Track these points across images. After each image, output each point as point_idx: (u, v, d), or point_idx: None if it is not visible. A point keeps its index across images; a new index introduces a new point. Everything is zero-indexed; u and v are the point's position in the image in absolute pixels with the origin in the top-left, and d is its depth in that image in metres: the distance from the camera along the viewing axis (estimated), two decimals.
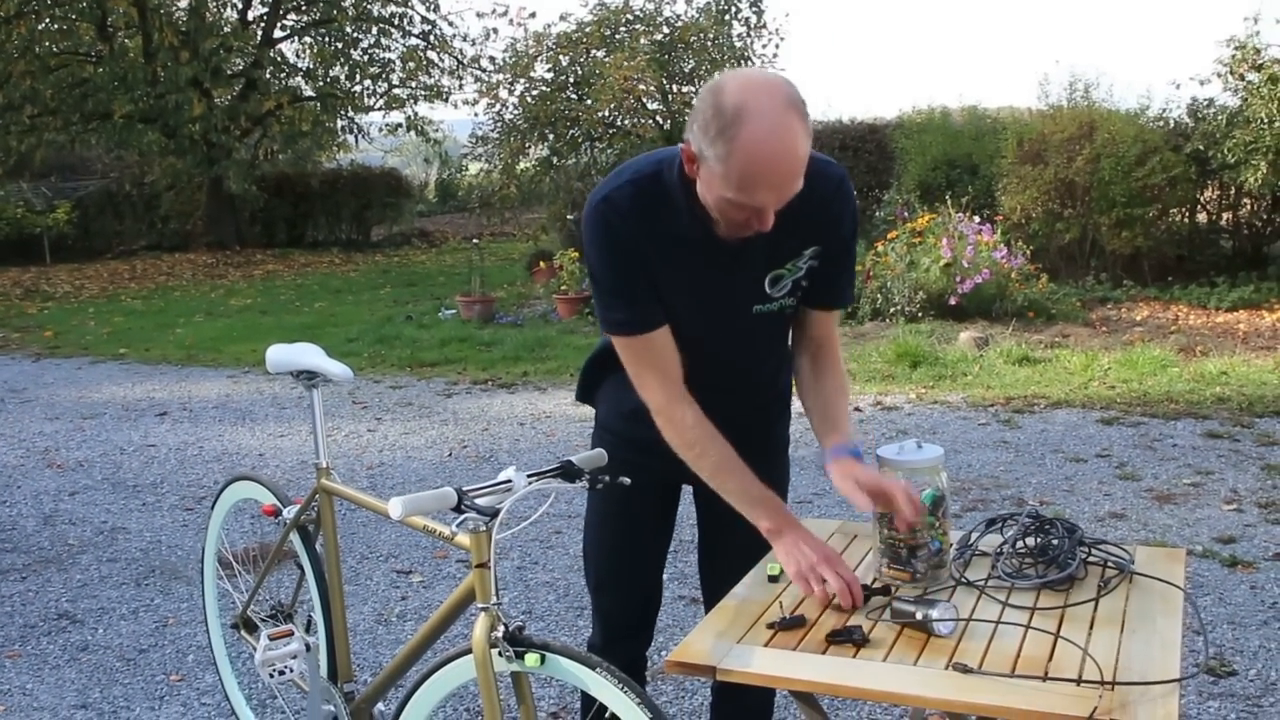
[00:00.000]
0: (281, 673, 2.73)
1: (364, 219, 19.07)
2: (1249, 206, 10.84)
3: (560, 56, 14.55)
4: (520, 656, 1.90)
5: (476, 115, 15.73)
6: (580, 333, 9.72)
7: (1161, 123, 10.80)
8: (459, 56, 18.42)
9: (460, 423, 6.85)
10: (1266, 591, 3.93)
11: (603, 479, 2.07)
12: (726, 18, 14.89)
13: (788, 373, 2.32)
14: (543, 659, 1.89)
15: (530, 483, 1.98)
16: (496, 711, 1.92)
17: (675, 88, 14.60)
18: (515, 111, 14.80)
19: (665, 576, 3.88)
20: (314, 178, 18.82)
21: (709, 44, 14.45)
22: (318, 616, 2.73)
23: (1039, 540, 2.14)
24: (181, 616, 4.11)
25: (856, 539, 2.36)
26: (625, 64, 13.30)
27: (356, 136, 19.45)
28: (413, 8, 18.04)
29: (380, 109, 18.65)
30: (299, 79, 18.56)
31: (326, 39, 18.10)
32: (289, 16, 18.34)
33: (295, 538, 2.77)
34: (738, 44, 14.96)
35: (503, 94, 15.07)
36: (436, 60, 18.44)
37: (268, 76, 17.70)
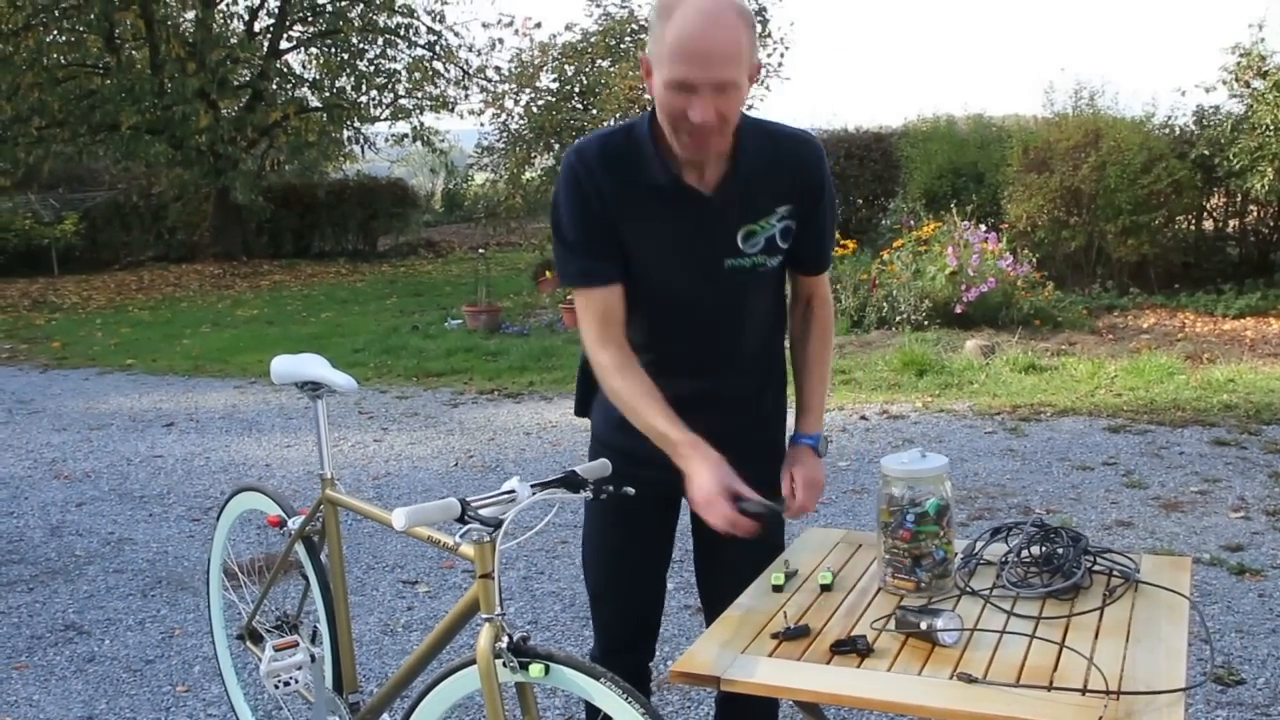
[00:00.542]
0: (287, 684, 2.73)
1: (370, 229, 19.09)
2: (1255, 213, 10.82)
3: (566, 66, 14.58)
4: (525, 667, 1.89)
5: (482, 125, 15.76)
6: None
7: (1167, 130, 10.79)
8: (465, 67, 18.46)
9: (466, 433, 6.86)
10: (1275, 599, 3.92)
11: (607, 489, 2.07)
12: None
13: (780, 344, 2.33)
14: (547, 670, 1.89)
15: (534, 493, 1.98)
16: None
17: None
18: (521, 121, 14.83)
19: (671, 586, 3.89)
20: (320, 188, 18.85)
21: None
22: (323, 627, 2.73)
23: (1044, 549, 2.14)
24: (188, 627, 4.11)
25: (861, 548, 2.36)
26: (630, 74, 13.33)
27: (363, 147, 19.49)
28: (418, 19, 18.08)
29: (386, 119, 18.68)
30: (305, 90, 18.60)
31: (333, 50, 18.14)
32: (295, 28, 18.39)
33: (300, 548, 2.77)
34: None
35: (508, 104, 15.11)
36: (442, 70, 18.47)
37: (274, 88, 17.74)
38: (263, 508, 2.88)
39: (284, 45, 18.13)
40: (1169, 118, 10.95)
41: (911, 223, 10.83)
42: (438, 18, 18.37)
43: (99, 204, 18.01)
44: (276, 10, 17.73)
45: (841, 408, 7.01)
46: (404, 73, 18.27)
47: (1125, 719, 1.59)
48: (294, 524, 2.75)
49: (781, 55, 16.18)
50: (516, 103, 15.02)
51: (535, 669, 1.89)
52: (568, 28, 14.88)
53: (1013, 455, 5.84)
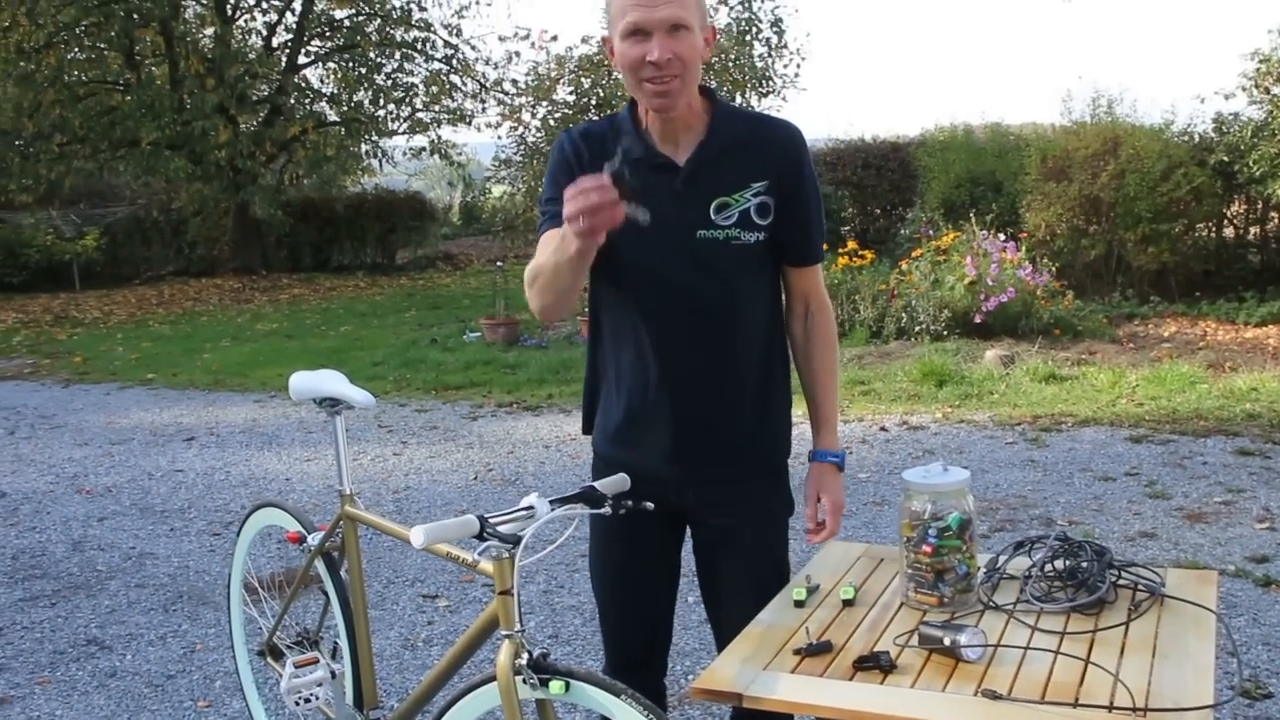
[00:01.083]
0: (308, 700, 2.73)
1: (388, 242, 19.16)
2: (1276, 220, 10.76)
3: (582, 79, 14.60)
4: (545, 684, 1.89)
5: (500, 138, 15.81)
6: None
7: (1186, 137, 10.75)
8: (482, 80, 18.52)
9: (485, 446, 6.86)
10: None
11: (626, 504, 2.06)
12: (748, 38, 14.92)
13: (766, 329, 2.27)
14: (567, 686, 1.88)
15: (553, 509, 1.98)
16: None
17: None
18: (538, 134, 14.86)
19: (691, 600, 3.87)
20: (339, 202, 18.92)
21: (730, 64, 14.47)
22: (343, 643, 2.73)
23: (1068, 563, 2.12)
24: (209, 642, 4.12)
25: (883, 563, 2.34)
26: None
27: (380, 161, 19.56)
28: (435, 33, 18.15)
29: (404, 133, 18.74)
30: (323, 104, 18.69)
31: (350, 64, 18.23)
32: (313, 43, 18.49)
33: (320, 564, 2.78)
34: (759, 64, 14.97)
35: (525, 117, 15.15)
36: (459, 84, 18.53)
37: (292, 102, 17.83)
38: (283, 524, 2.89)
39: (302, 60, 18.24)
40: (1188, 125, 10.91)
41: (930, 232, 10.80)
42: (454, 32, 18.51)
43: (120, 219, 18.12)
44: (294, 26, 17.84)
45: (861, 419, 6.99)
46: (421, 86, 18.35)
47: None
48: (313, 540, 2.75)
49: (798, 66, 16.20)
50: (533, 115, 15.06)
51: (556, 686, 1.88)
52: (584, 40, 14.93)
53: (1034, 466, 5.80)
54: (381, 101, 18.27)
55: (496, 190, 17.52)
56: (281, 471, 6.46)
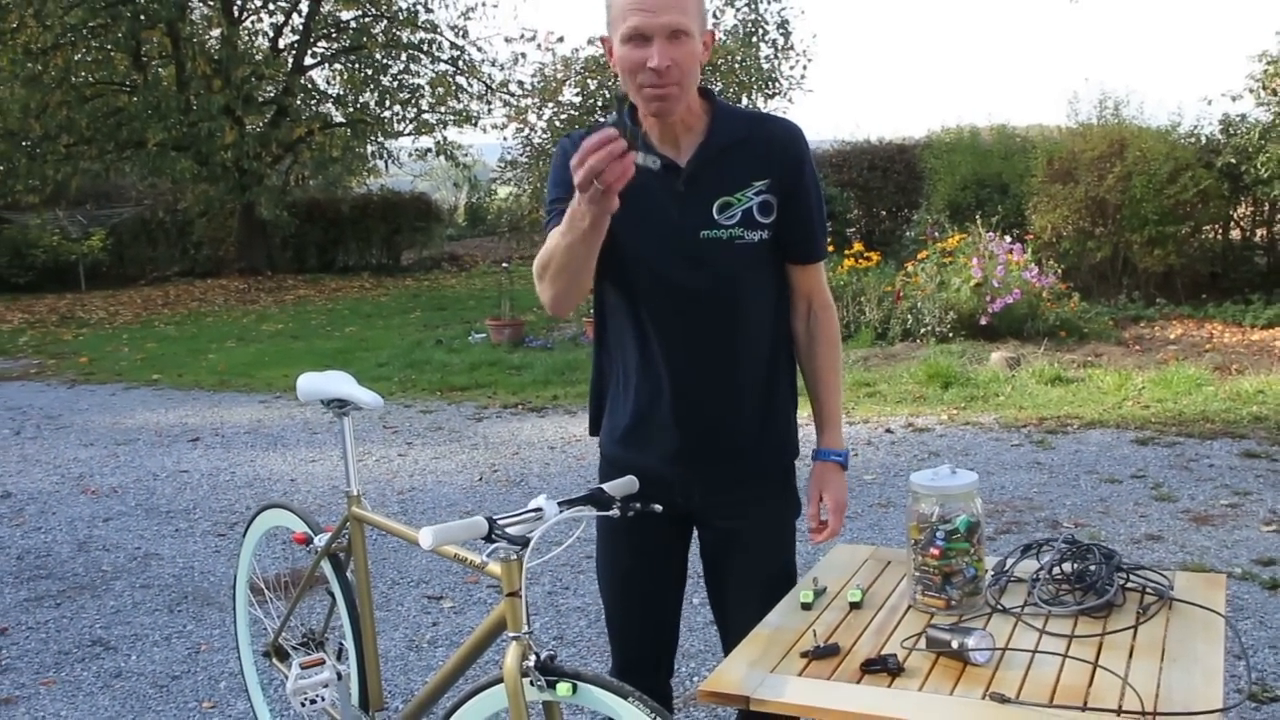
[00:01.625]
0: (313, 701, 2.73)
1: (394, 243, 19.17)
2: None
3: (588, 80, 14.62)
4: (552, 686, 1.88)
5: (505, 139, 15.82)
6: None
7: (1193, 139, 10.73)
8: (487, 81, 18.53)
9: (491, 447, 6.86)
10: None
11: (634, 506, 2.06)
12: (754, 40, 14.93)
13: (771, 328, 2.27)
14: (574, 688, 1.88)
15: (561, 511, 1.97)
16: None
17: None
18: (544, 135, 14.88)
19: (697, 601, 3.87)
20: (344, 203, 18.95)
21: (736, 66, 14.48)
22: (349, 644, 2.73)
23: (1076, 566, 2.11)
24: (214, 643, 4.12)
25: (890, 565, 2.34)
26: None
27: (386, 161, 19.57)
28: (442, 34, 18.17)
29: (410, 134, 18.76)
30: (329, 105, 18.71)
31: (356, 65, 18.25)
32: (319, 44, 18.51)
33: (326, 565, 2.77)
34: (765, 66, 14.98)
35: (531, 118, 15.17)
36: (465, 85, 18.54)
37: (298, 103, 17.86)
38: (289, 524, 2.89)
39: (308, 61, 18.26)
40: (1195, 127, 10.89)
41: (936, 234, 10.79)
42: (461, 33, 18.48)
43: (126, 220, 18.15)
44: (301, 27, 17.87)
45: (867, 420, 6.98)
46: (427, 88, 18.36)
47: None
48: (320, 541, 2.75)
49: (804, 68, 16.16)
50: (539, 117, 15.08)
51: (563, 688, 1.88)
52: (590, 42, 14.94)
53: (1040, 468, 5.79)
54: (387, 102, 18.29)
55: (502, 191, 17.54)
56: (286, 472, 6.46)
